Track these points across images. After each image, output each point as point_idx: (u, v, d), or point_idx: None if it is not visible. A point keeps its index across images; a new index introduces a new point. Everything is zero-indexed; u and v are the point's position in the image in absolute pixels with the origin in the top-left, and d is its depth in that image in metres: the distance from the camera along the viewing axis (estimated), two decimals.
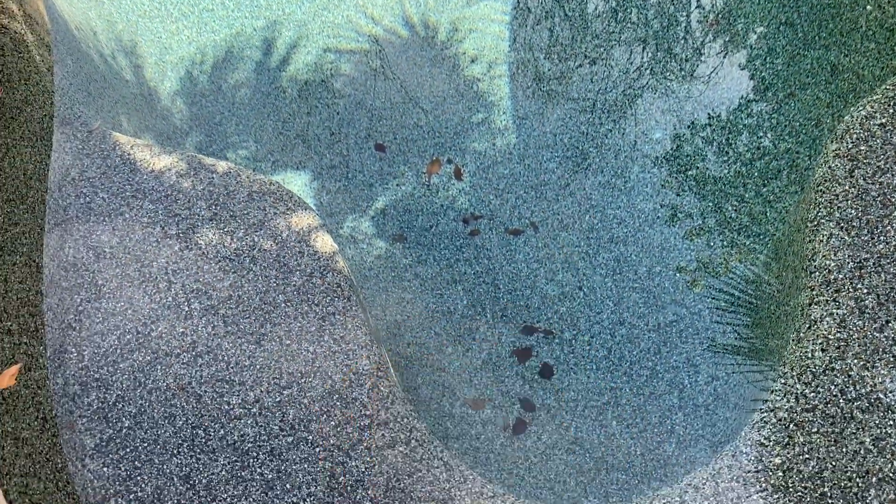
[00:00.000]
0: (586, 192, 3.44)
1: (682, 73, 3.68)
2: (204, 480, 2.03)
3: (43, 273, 2.24)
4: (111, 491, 1.98)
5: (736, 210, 3.22)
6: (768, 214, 3.14)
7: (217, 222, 2.44)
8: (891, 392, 2.06)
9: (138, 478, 2.02)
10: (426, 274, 3.29)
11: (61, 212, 2.42)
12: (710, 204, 3.30)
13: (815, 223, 2.31)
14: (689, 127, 3.49)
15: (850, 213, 2.26)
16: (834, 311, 2.17)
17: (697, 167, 3.37)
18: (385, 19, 3.83)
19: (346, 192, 3.50)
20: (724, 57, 3.69)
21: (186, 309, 2.29)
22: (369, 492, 2.01)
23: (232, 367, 2.20)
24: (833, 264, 2.21)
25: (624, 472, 2.84)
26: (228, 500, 2.00)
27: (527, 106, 3.62)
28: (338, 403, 2.16)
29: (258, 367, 2.20)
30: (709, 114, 3.49)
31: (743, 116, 3.44)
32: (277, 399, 2.16)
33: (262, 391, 2.17)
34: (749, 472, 2.03)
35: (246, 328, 2.26)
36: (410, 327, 3.14)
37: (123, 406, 2.11)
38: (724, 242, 3.19)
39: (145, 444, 2.07)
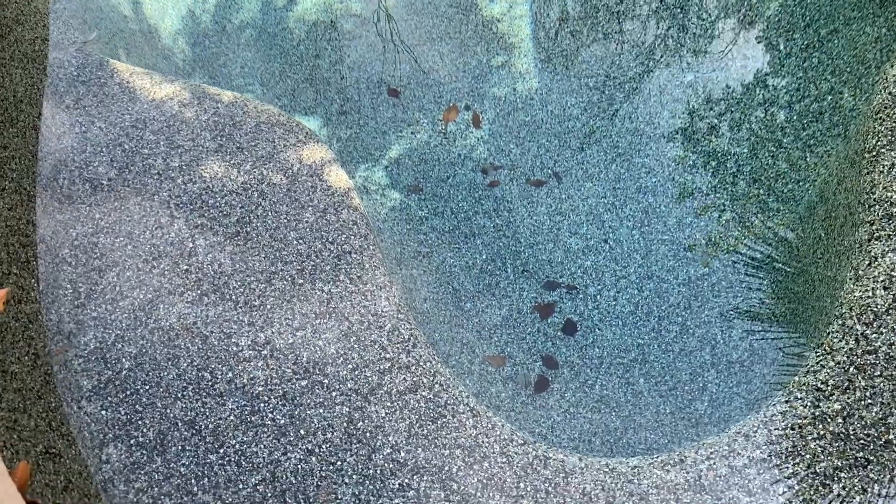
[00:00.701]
0: (613, 139, 3.25)
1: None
2: (210, 425, 1.86)
3: (35, 201, 2.06)
4: (110, 435, 1.82)
5: (773, 155, 3.03)
6: (808, 159, 2.95)
7: (223, 154, 2.25)
8: None
9: (139, 422, 1.85)
10: (443, 227, 3.11)
11: (55, 140, 2.24)
12: (723, 182, 3.11)
13: (874, 153, 2.12)
14: (705, 103, 3.29)
15: None
16: None
17: (712, 144, 3.18)
18: None
19: (358, 139, 3.32)
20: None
21: (191, 245, 2.11)
22: (390, 438, 1.84)
23: (241, 307, 2.02)
24: (895, 196, 2.03)
25: (653, 432, 2.67)
26: (237, 446, 1.83)
27: (550, 48, 3.42)
28: (355, 346, 1.98)
29: (269, 307, 2.03)
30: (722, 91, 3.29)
31: (783, 57, 3.24)
32: (290, 341, 1.98)
33: (273, 332, 1.99)
34: (805, 418, 1.86)
35: (255, 266, 2.08)
36: (427, 282, 2.97)
37: (123, 346, 1.94)
38: (776, 171, 3.00)
39: (147, 387, 1.90)
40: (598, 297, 2.91)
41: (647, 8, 3.49)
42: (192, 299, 2.04)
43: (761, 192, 2.98)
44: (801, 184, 2.92)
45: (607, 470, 1.90)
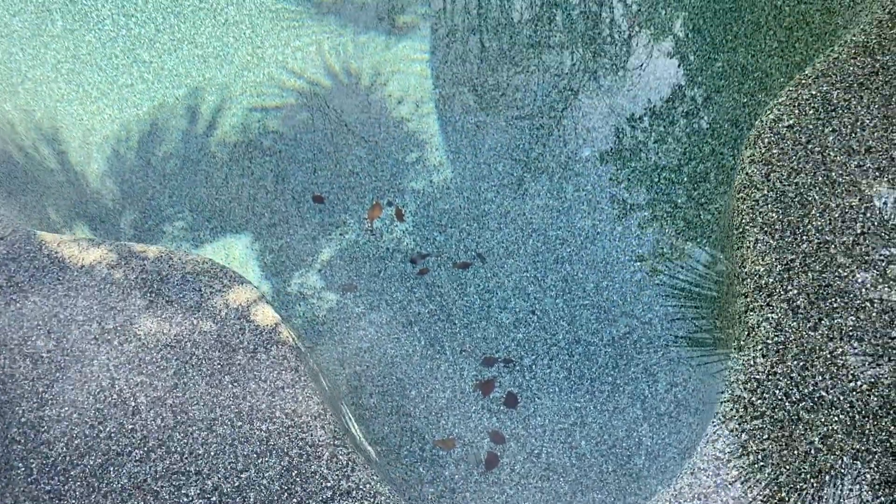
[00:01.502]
0: (526, 216, 3.48)
1: (615, 68, 3.74)
2: None
3: None
4: None
5: (673, 209, 3.28)
6: (702, 217, 3.21)
7: (154, 310, 2.42)
8: (832, 388, 2.11)
9: None
10: (381, 320, 3.29)
11: None
12: (658, 193, 3.35)
13: (741, 230, 2.36)
14: (627, 121, 3.54)
15: (772, 217, 2.32)
16: (769, 315, 2.22)
17: (641, 159, 3.43)
18: (307, 72, 3.84)
19: (290, 248, 3.50)
20: (642, 68, 3.76)
21: (133, 404, 2.26)
22: None
23: (186, 458, 2.17)
24: (762, 269, 2.27)
25: (599, 492, 2.86)
26: None
27: (458, 140, 3.65)
28: (298, 479, 2.14)
29: (213, 453, 2.18)
30: (633, 115, 3.56)
31: (665, 125, 3.51)
32: (236, 484, 2.14)
33: (219, 478, 2.14)
34: (709, 488, 2.06)
35: (196, 415, 2.24)
36: (371, 377, 3.13)
37: None
38: (675, 228, 3.24)
39: None
40: (534, 366, 3.11)
41: (542, 87, 3.74)
42: (140, 457, 2.18)
43: (665, 250, 3.22)
44: (698, 241, 3.17)
45: None
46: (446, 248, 3.46)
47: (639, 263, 3.25)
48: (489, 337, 3.23)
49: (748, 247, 2.31)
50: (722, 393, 2.23)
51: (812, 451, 2.04)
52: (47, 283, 2.47)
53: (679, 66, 3.65)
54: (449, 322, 3.26)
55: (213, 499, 2.11)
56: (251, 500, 2.11)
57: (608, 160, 3.48)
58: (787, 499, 2.00)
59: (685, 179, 3.31)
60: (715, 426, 2.17)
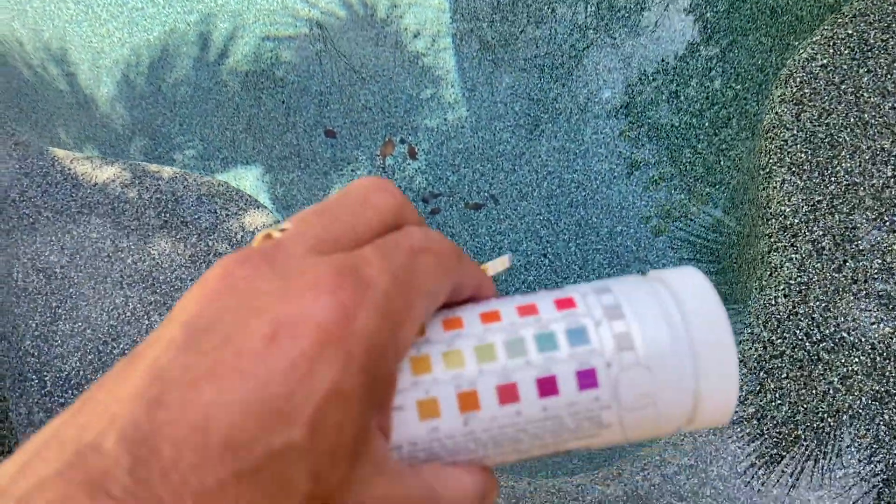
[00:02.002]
0: (542, 159, 3.43)
1: (627, 25, 3.66)
2: None
3: None
4: None
5: (690, 161, 3.24)
6: (722, 163, 3.16)
7: (168, 230, 2.38)
8: (854, 330, 2.10)
9: None
10: None
11: (5, 236, 2.34)
12: (667, 153, 3.31)
13: (768, 170, 2.32)
14: (639, 79, 3.48)
15: (801, 157, 2.28)
16: (793, 255, 2.19)
17: (651, 117, 3.38)
18: (321, 1, 3.73)
19: (301, 182, 3.45)
20: (667, 7, 3.68)
21: (147, 322, 2.23)
22: None
23: None
24: (788, 209, 2.23)
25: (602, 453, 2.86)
26: None
27: (475, 76, 3.57)
28: None
29: None
30: (657, 64, 3.49)
31: (690, 65, 3.44)
32: None
33: None
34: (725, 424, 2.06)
35: None
36: None
37: None
38: (683, 189, 3.20)
39: None
40: None
41: (561, 30, 3.65)
42: None
43: (683, 191, 3.19)
44: (717, 186, 3.14)
45: (554, 491, 2.08)
46: (459, 188, 3.41)
47: (654, 209, 3.22)
48: (498, 279, 3.21)
49: (774, 187, 2.27)
50: (741, 333, 2.22)
51: (830, 391, 2.04)
52: (60, 199, 2.42)
53: (706, 6, 3.56)
54: None
55: None
56: None
57: (628, 102, 3.42)
58: (802, 436, 2.00)
59: (706, 124, 3.25)
60: None
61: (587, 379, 0.27)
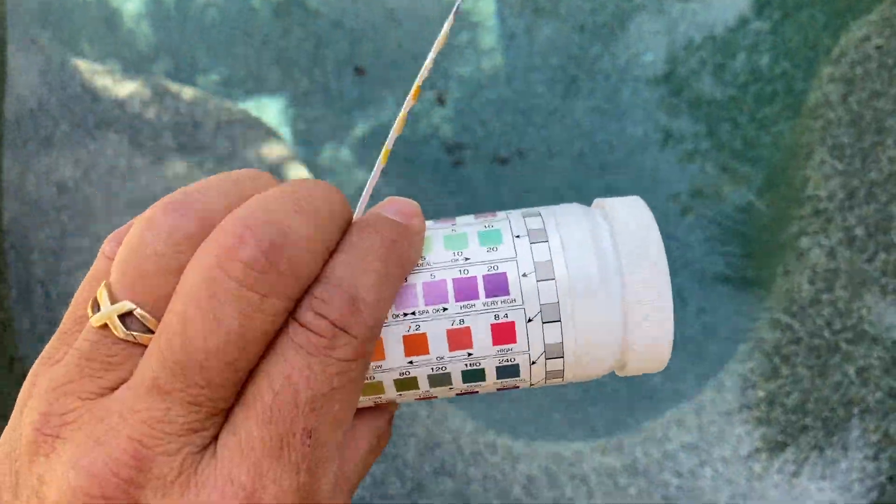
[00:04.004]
0: (575, 117, 3.32)
1: None
2: None
3: (3, 212, 2.14)
4: None
5: (729, 136, 3.12)
6: (762, 139, 3.04)
7: (184, 153, 2.33)
8: (877, 323, 2.02)
9: None
10: None
11: (21, 146, 2.30)
12: (705, 126, 3.19)
13: (808, 149, 2.21)
14: (684, 48, 3.34)
15: (843, 140, 2.17)
16: (823, 241, 2.10)
17: (692, 88, 3.25)
18: None
19: (324, 119, 3.37)
20: None
21: None
22: None
23: None
24: (824, 193, 2.14)
25: (610, 405, 2.82)
26: None
27: (514, 24, 3.45)
28: None
29: None
30: (705, 32, 3.34)
31: (739, 37, 3.29)
32: None
33: None
34: (732, 405, 2.01)
35: None
36: None
37: None
38: (718, 166, 3.10)
39: None
40: None
41: None
42: None
43: (718, 168, 3.08)
44: (755, 163, 3.02)
45: (551, 455, 2.05)
46: (486, 141, 3.32)
47: (685, 184, 3.11)
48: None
49: (813, 167, 2.17)
50: (761, 314, 2.15)
51: (845, 383, 1.97)
52: (78, 113, 2.37)
53: None
54: None
55: None
56: None
57: (670, 70, 3.29)
58: (810, 426, 1.95)
59: (749, 99, 3.12)
60: (748, 345, 2.10)
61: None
